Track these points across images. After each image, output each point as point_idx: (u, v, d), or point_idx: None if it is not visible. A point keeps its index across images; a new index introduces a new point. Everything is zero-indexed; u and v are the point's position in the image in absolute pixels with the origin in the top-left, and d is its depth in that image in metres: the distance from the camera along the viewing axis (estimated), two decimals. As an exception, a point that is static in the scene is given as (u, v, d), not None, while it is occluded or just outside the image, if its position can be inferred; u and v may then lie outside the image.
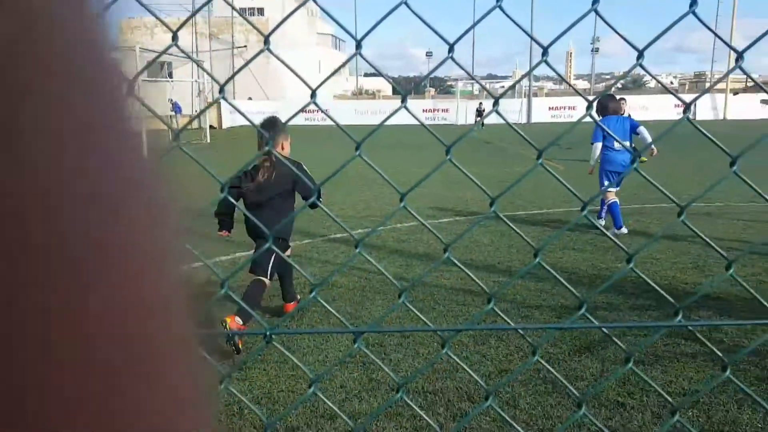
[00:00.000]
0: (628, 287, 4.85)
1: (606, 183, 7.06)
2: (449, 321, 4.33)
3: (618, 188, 7.28)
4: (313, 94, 1.12)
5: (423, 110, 42.12)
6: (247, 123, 1.37)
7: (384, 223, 1.35)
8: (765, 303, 1.14)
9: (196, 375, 0.23)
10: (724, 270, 1.20)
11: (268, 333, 1.19)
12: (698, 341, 1.04)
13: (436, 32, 1.15)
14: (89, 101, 0.20)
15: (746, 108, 38.43)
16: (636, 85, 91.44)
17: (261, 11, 50.98)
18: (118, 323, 0.19)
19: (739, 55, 1.12)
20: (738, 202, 8.61)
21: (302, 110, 1.10)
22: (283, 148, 4.20)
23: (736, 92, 42.90)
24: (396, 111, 1.15)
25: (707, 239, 1.22)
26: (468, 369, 1.35)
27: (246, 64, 1.22)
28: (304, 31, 52.76)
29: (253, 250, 4.30)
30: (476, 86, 53.73)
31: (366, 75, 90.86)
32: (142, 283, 0.21)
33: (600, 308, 4.49)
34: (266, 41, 1.09)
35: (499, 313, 1.25)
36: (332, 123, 1.32)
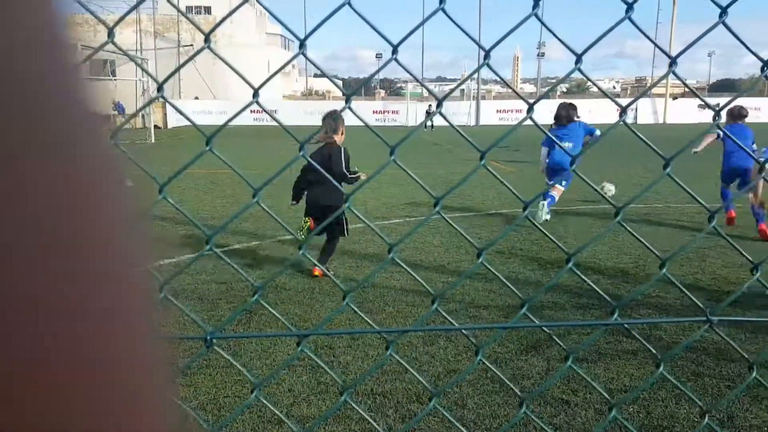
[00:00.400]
0: (573, 287, 4.97)
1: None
2: (399, 322, 4.34)
3: (566, 186, 7.70)
4: (256, 93, 1.10)
5: (373, 111, 42.16)
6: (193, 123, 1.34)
7: (329, 223, 1.34)
8: (695, 300, 1.18)
9: (156, 375, 0.23)
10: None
11: (209, 338, 1.16)
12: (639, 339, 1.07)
13: (380, 33, 1.14)
14: (44, 99, 0.19)
15: (685, 112, 39.99)
16: (580, 90, 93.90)
17: (208, 10, 50.06)
18: (78, 323, 0.19)
19: (672, 61, 1.15)
20: (676, 203, 8.94)
21: (245, 109, 1.08)
22: (342, 134, 5.27)
23: (675, 97, 44.63)
24: (341, 111, 1.14)
25: (641, 239, 1.25)
26: (415, 371, 1.35)
27: (187, 62, 1.19)
28: (252, 32, 52.12)
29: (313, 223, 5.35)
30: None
31: (316, 75, 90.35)
32: (99, 282, 0.20)
33: (546, 307, 4.58)
34: (206, 39, 1.06)
35: (443, 313, 1.26)
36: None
